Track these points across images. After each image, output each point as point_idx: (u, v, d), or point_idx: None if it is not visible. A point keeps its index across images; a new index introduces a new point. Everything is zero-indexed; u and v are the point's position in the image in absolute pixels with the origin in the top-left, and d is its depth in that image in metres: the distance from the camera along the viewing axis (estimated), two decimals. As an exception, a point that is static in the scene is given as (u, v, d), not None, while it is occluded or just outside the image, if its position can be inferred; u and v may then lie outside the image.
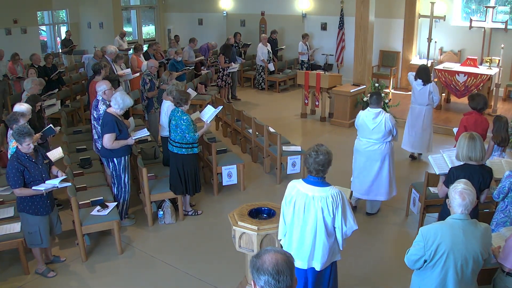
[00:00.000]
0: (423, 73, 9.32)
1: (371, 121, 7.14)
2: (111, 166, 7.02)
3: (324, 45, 17.27)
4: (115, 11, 19.52)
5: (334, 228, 4.46)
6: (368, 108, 7.30)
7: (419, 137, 9.64)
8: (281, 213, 4.68)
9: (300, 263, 4.56)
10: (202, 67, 15.12)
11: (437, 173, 5.84)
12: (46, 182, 5.71)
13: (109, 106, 7.03)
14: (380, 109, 7.18)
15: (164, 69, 13.76)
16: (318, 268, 4.55)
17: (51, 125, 7.55)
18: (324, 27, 17.39)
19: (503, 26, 13.62)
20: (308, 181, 4.47)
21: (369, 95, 7.44)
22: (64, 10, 20.49)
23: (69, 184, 6.14)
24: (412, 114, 9.68)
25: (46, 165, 5.94)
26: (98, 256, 6.61)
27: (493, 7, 13.77)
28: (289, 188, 4.62)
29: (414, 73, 9.56)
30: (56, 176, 5.99)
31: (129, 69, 12.14)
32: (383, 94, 10.98)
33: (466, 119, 7.30)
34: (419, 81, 9.33)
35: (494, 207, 6.75)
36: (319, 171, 4.38)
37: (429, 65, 12.76)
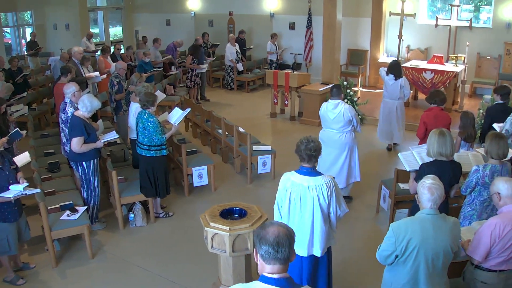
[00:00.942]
0: (395, 68, 9.75)
1: (331, 111, 7.46)
2: (80, 170, 6.93)
3: (292, 44, 17.36)
4: (82, 12, 19.27)
5: (329, 213, 4.75)
6: (329, 99, 7.59)
7: (394, 128, 10.11)
8: (276, 206, 4.94)
9: (300, 251, 4.80)
10: (172, 67, 15.00)
11: (407, 170, 5.92)
12: (10, 188, 5.59)
13: (77, 108, 6.94)
14: (340, 100, 7.46)
15: (131, 72, 13.61)
16: (318, 254, 4.83)
17: (17, 128, 7.42)
18: (292, 26, 17.47)
19: (467, 24, 13.91)
20: (301, 172, 4.72)
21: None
22: (29, 12, 20.14)
23: (38, 190, 6.03)
24: (385, 108, 10.15)
25: (13, 170, 5.83)
26: (69, 262, 6.51)
27: (458, 6, 14.01)
28: (282, 180, 4.85)
29: (385, 69, 9.90)
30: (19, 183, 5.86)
31: (97, 71, 12.02)
32: (352, 92, 11.21)
33: (426, 115, 7.41)
34: (391, 76, 9.76)
35: (463, 202, 6.87)
36: (311, 156, 4.65)
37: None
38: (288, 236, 2.73)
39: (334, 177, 5.01)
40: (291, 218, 4.80)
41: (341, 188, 7.72)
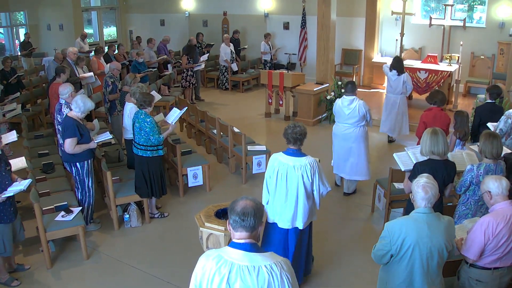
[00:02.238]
0: (397, 64, 10.26)
1: (346, 107, 7.79)
2: (74, 171, 6.90)
3: (286, 44, 17.38)
4: (75, 13, 19.19)
5: (312, 191, 5.29)
6: (344, 95, 7.95)
7: (396, 122, 10.64)
8: (264, 183, 5.49)
9: (285, 224, 5.36)
10: (168, 65, 14.95)
11: (402, 170, 5.96)
12: (8, 189, 5.58)
13: (71, 109, 6.91)
14: (354, 96, 7.81)
15: (127, 71, 13.60)
16: (301, 227, 5.36)
17: (13, 131, 7.40)
18: (286, 26, 17.48)
19: (461, 24, 13.96)
20: (288, 153, 5.29)
21: (345, 83, 8.23)
22: (22, 12, 20.06)
23: (30, 180, 5.99)
24: (388, 103, 10.67)
25: (9, 171, 5.81)
26: (63, 263, 6.50)
27: (452, 5, 14.05)
28: (271, 160, 5.41)
29: (389, 65, 10.37)
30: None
31: (91, 72, 11.99)
32: None
33: (425, 114, 7.47)
34: (394, 71, 10.27)
35: (457, 201, 6.89)
36: (296, 139, 5.21)
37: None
38: (254, 208, 3.08)
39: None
40: (277, 194, 5.30)
41: (360, 180, 8.30)
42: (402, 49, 15.01)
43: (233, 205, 3.14)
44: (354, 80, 15.19)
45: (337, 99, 8.12)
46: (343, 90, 11.33)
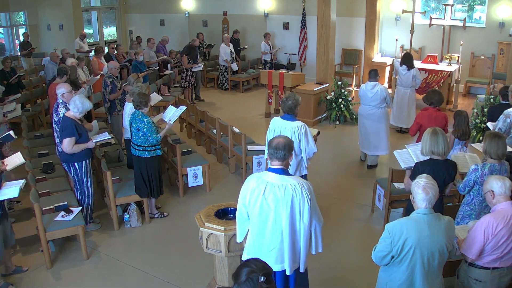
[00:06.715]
0: (408, 59, 11.00)
1: (369, 91, 9.03)
2: (72, 171, 6.89)
3: (286, 44, 17.37)
4: (75, 13, 19.15)
5: (301, 150, 6.52)
6: (368, 81, 9.13)
7: (404, 113, 11.36)
8: (266, 140, 6.49)
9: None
10: (168, 65, 14.95)
11: (402, 167, 5.96)
12: (1, 190, 5.56)
13: (69, 109, 6.90)
14: (376, 82, 9.01)
15: (127, 71, 13.58)
16: None
17: (11, 131, 7.35)
18: (286, 26, 17.47)
19: (461, 24, 13.96)
20: (284, 118, 6.62)
21: (369, 71, 9.32)
22: (22, 12, 20.04)
23: (24, 181, 5.96)
24: (398, 95, 11.41)
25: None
26: (63, 263, 6.49)
27: (452, 5, 14.05)
28: (271, 122, 6.75)
29: (399, 60, 11.38)
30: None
31: (96, 77, 11.99)
32: (346, 92, 11.48)
33: (420, 114, 7.56)
34: (404, 66, 11.03)
35: (457, 201, 6.90)
36: (289, 110, 6.54)
37: (398, 57, 13.16)
38: (285, 144, 4.16)
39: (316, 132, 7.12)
40: None
41: (375, 156, 9.43)
42: (401, 49, 15.04)
43: (270, 142, 4.22)
44: (353, 80, 15.28)
45: (362, 84, 9.33)
46: (342, 90, 11.63)
